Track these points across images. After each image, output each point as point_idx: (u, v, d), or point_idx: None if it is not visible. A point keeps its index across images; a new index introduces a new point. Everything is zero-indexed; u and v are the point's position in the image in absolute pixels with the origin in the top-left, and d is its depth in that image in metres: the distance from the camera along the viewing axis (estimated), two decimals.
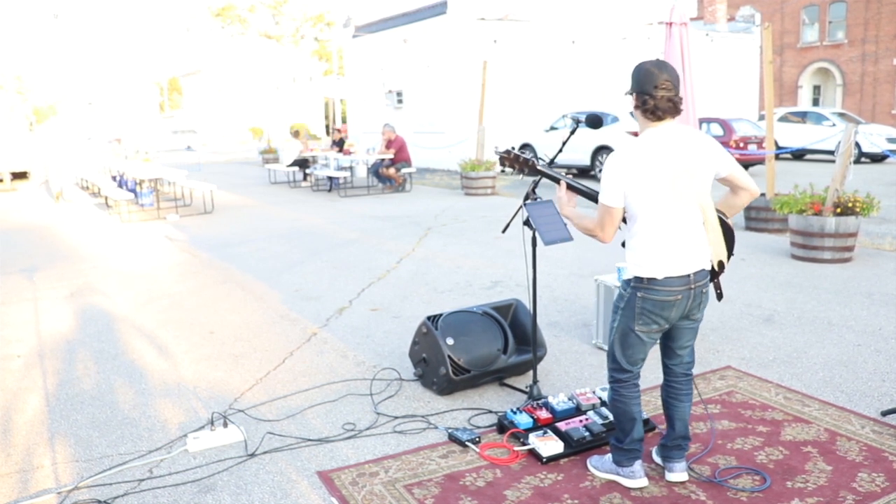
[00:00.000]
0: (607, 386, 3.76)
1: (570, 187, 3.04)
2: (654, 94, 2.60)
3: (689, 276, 2.69)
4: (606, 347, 4.49)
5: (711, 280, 2.89)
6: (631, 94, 2.70)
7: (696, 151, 2.66)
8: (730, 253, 2.92)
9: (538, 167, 3.24)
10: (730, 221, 2.94)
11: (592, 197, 3.10)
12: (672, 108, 2.63)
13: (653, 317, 2.72)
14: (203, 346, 4.94)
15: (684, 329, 2.85)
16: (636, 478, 2.92)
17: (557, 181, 3.06)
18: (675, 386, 2.96)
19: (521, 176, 3.41)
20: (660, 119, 2.65)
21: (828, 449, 3.19)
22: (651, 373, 3.80)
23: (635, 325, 2.75)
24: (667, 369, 2.99)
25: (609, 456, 3.03)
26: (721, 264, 2.84)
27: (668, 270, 2.66)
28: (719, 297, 3.03)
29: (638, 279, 2.71)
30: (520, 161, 3.27)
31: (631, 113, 2.97)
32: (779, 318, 5.18)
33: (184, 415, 3.79)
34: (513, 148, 3.36)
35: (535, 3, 19.19)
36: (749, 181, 2.84)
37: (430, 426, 3.56)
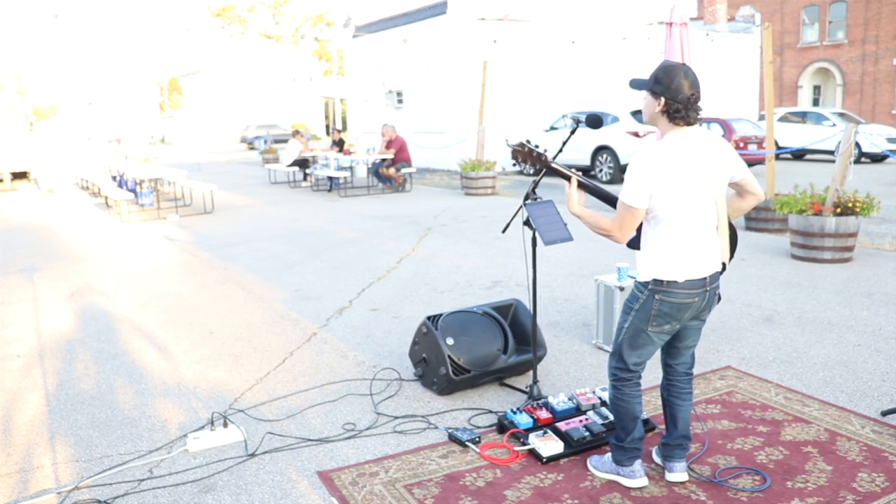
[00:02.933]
0: (607, 386, 3.77)
1: (580, 185, 2.99)
2: (687, 103, 2.62)
3: (705, 278, 2.71)
4: (607, 347, 4.53)
5: None
6: (655, 94, 2.67)
7: (716, 155, 2.69)
8: (731, 254, 2.93)
9: (551, 163, 3.17)
10: (733, 223, 2.96)
11: (602, 196, 3.08)
12: (695, 115, 2.67)
13: (668, 318, 2.73)
14: (203, 346, 4.94)
15: (692, 329, 2.87)
16: (636, 477, 2.92)
17: (568, 178, 2.99)
18: (677, 385, 2.97)
19: (529, 170, 3.32)
20: (686, 124, 2.67)
21: (828, 449, 3.19)
22: (651, 373, 3.79)
23: (648, 326, 2.76)
24: (669, 368, 2.99)
25: (609, 456, 3.03)
26: (723, 265, 2.85)
27: (689, 273, 2.68)
28: (718, 298, 3.03)
29: (657, 282, 2.71)
30: (533, 155, 3.18)
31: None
32: (779, 318, 5.18)
33: (184, 415, 3.79)
34: (528, 141, 3.25)
35: (535, 3, 19.20)
36: (758, 187, 2.87)
37: (430, 426, 3.56)
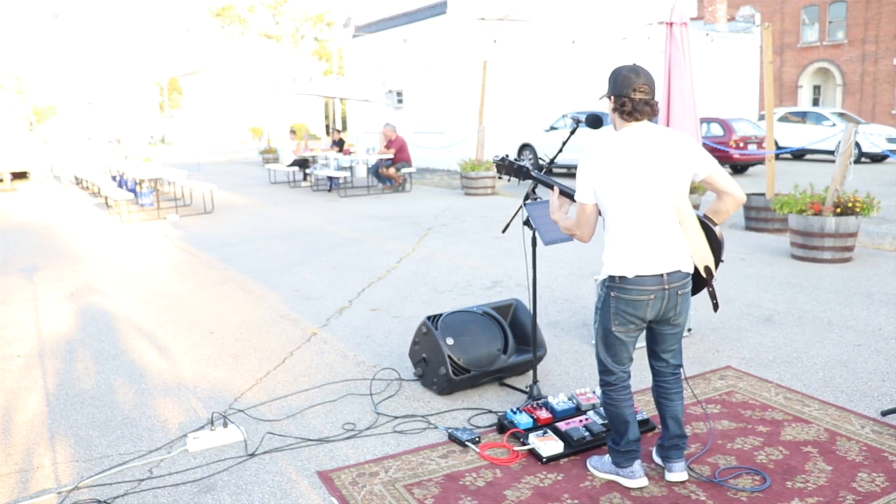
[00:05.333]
0: None
1: (563, 193, 3.08)
2: (633, 96, 2.64)
3: (661, 275, 2.66)
4: None
5: (702, 287, 2.87)
6: (608, 97, 2.73)
7: (670, 151, 2.65)
8: (718, 259, 2.83)
9: (532, 174, 3.32)
10: (718, 229, 2.84)
11: None
12: (649, 110, 2.66)
13: (627, 316, 2.72)
14: (203, 346, 4.94)
15: (665, 334, 2.83)
16: (636, 477, 2.92)
17: (551, 187, 3.10)
18: (663, 385, 2.96)
19: (517, 181, 3.48)
20: (637, 120, 2.68)
21: (828, 449, 3.19)
22: (651, 373, 3.79)
23: (612, 325, 2.76)
24: (654, 371, 2.99)
25: (608, 456, 3.03)
26: (708, 270, 2.78)
27: (639, 269, 2.65)
28: (715, 307, 2.94)
29: (611, 278, 2.72)
30: (514, 168, 3.36)
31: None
32: (779, 318, 5.18)
33: (184, 415, 3.79)
34: (507, 155, 3.48)
35: (535, 3, 19.20)
36: (732, 185, 2.73)
37: (430, 426, 3.56)
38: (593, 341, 4.64)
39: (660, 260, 2.66)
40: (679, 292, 2.72)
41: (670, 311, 2.73)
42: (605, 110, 2.88)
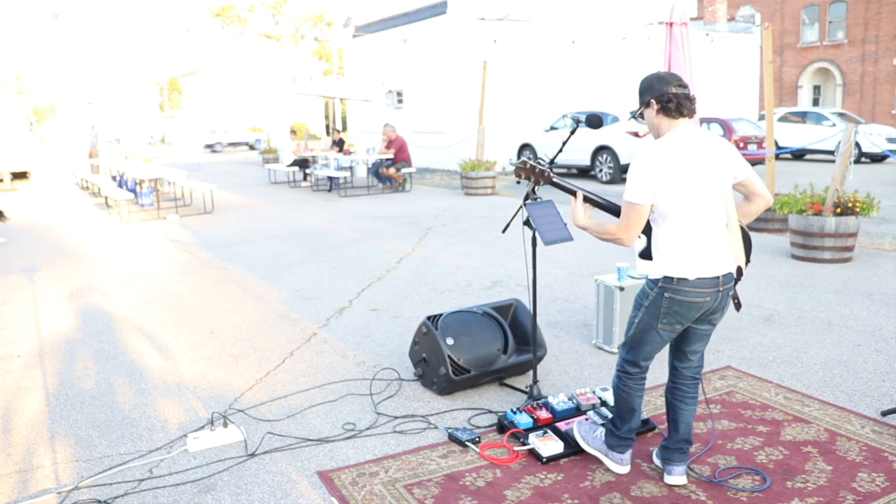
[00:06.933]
0: (607, 386, 3.79)
1: (586, 199, 3.03)
2: (675, 91, 2.66)
3: (718, 277, 2.67)
4: (607, 347, 4.54)
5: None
6: (645, 103, 2.74)
7: (718, 153, 2.69)
8: (747, 259, 2.91)
9: (553, 179, 3.26)
10: (746, 228, 2.93)
11: (610, 209, 3.09)
12: (689, 104, 2.68)
13: (678, 317, 2.71)
14: (203, 346, 4.94)
15: (700, 333, 2.84)
16: (624, 465, 2.97)
17: (573, 193, 3.05)
18: (681, 388, 2.95)
19: (535, 187, 3.37)
20: (682, 115, 2.68)
21: (828, 449, 3.19)
22: (652, 373, 3.79)
23: (658, 323, 2.74)
24: (675, 371, 2.97)
25: (601, 433, 3.05)
26: (739, 270, 2.82)
27: (700, 271, 2.65)
28: (738, 306, 2.98)
29: (668, 279, 2.68)
30: (536, 172, 3.28)
31: (637, 118, 2.96)
32: (779, 318, 5.18)
33: (184, 415, 3.79)
34: (530, 158, 3.36)
35: (535, 3, 19.20)
36: (764, 188, 2.84)
37: (430, 426, 3.56)
38: (593, 340, 4.66)
39: (717, 262, 2.68)
40: (728, 293, 2.76)
41: (716, 311, 2.76)
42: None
